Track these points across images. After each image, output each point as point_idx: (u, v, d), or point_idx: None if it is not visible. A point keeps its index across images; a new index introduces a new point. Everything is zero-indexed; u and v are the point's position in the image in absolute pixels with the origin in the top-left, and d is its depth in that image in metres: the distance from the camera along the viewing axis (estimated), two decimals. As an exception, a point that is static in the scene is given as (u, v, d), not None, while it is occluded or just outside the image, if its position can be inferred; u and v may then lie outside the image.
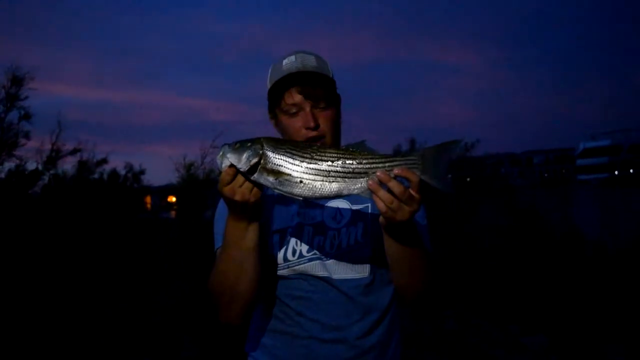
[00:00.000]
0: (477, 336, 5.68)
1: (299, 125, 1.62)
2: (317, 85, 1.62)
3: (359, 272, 1.63)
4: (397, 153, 1.41)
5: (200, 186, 11.88)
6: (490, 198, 10.11)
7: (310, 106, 1.62)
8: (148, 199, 16.56)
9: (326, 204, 1.68)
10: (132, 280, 8.72)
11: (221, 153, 1.38)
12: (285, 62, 1.66)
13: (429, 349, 5.11)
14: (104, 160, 12.76)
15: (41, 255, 8.91)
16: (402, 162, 1.36)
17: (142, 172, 14.74)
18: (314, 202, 1.55)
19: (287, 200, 1.64)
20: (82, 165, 12.28)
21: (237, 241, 1.48)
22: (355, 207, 1.69)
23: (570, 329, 5.55)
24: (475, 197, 10.02)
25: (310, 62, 1.66)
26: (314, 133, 1.61)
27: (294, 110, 1.62)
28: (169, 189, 13.86)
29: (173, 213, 14.17)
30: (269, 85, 1.67)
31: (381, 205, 1.34)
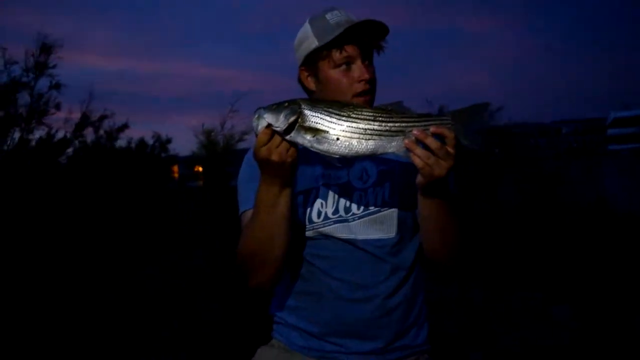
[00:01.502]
0: (500, 304, 5.70)
1: (353, 78, 1.61)
2: (374, 39, 1.63)
3: (386, 232, 1.64)
4: (431, 113, 1.42)
5: (225, 155, 11.93)
6: (518, 168, 10.01)
7: (364, 59, 1.62)
8: (175, 169, 16.76)
9: (352, 164, 1.68)
10: (160, 246, 8.89)
11: (257, 116, 1.40)
12: (329, 15, 1.64)
13: (453, 316, 5.14)
14: (125, 126, 12.86)
15: (71, 223, 9.11)
16: (437, 121, 1.39)
17: (169, 141, 14.89)
18: (341, 164, 1.57)
19: (312, 161, 1.65)
20: (109, 134, 12.43)
21: (270, 206, 1.49)
22: (381, 167, 1.69)
23: (595, 299, 5.53)
24: (503, 166, 9.93)
25: (353, 16, 1.64)
26: (367, 86, 1.61)
27: (347, 62, 1.61)
28: (195, 159, 13.97)
29: (200, 182, 14.33)
30: (316, 40, 1.63)
31: (418, 162, 1.36)
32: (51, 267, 6.92)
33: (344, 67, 1.61)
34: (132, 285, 6.38)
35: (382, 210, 1.65)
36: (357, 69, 1.61)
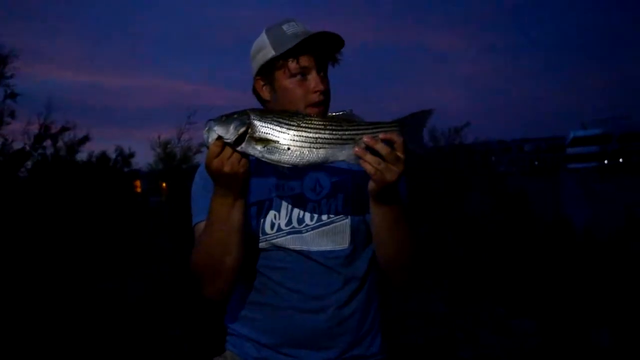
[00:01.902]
0: (463, 318, 5.74)
1: (308, 88, 1.62)
2: (331, 50, 1.64)
3: (339, 243, 1.64)
4: (380, 121, 1.44)
5: (184, 169, 11.84)
6: (480, 185, 10.17)
7: (320, 70, 1.63)
8: (138, 183, 16.53)
9: (305, 176, 1.68)
10: (119, 262, 8.73)
11: (207, 128, 1.41)
12: (286, 27, 1.65)
13: (415, 329, 5.16)
14: (86, 138, 12.68)
15: (31, 238, 8.90)
16: (386, 128, 1.41)
17: (132, 155, 14.66)
18: (293, 174, 1.56)
19: (265, 172, 1.66)
20: (69, 147, 12.22)
21: (223, 219, 1.49)
22: (334, 179, 1.69)
23: (556, 313, 5.61)
24: (465, 183, 10.08)
25: (309, 29, 1.66)
26: (321, 97, 1.62)
27: (302, 72, 1.62)
28: (158, 174, 13.83)
29: (163, 197, 14.16)
30: (273, 50, 1.63)
31: (369, 168, 1.38)
32: (7, 284, 6.73)
33: (299, 77, 1.62)
34: (91, 305, 6.24)
35: (335, 221, 1.65)
36: (312, 79, 1.62)
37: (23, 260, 7.82)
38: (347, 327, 1.64)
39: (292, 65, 1.61)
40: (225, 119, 1.40)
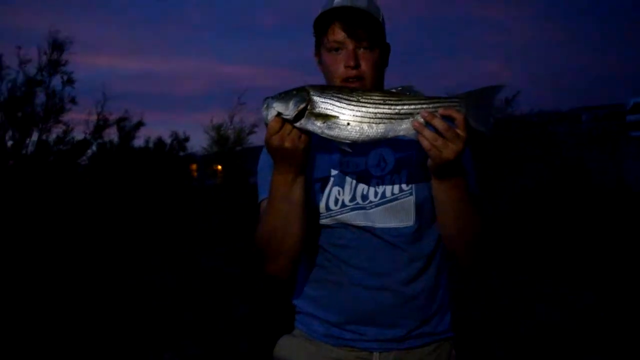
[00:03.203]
0: (522, 292, 5.66)
1: (339, 63, 1.60)
2: (362, 25, 1.58)
3: (404, 220, 1.62)
4: (441, 96, 1.42)
5: (239, 151, 11.92)
6: (538, 156, 9.92)
7: (354, 45, 1.59)
8: (194, 167, 16.80)
9: (369, 152, 1.67)
10: (181, 244, 8.94)
11: (265, 105, 1.41)
12: None
13: (474, 305, 5.12)
14: (140, 123, 12.94)
15: (93, 223, 9.20)
16: (446, 103, 1.39)
17: (187, 139, 14.95)
18: (357, 150, 1.55)
19: (329, 148, 1.65)
20: (127, 134, 12.51)
21: (284, 195, 1.49)
22: (399, 155, 1.67)
23: (619, 287, 5.47)
24: (522, 154, 9.85)
25: (362, 1, 1.60)
26: (353, 72, 1.58)
27: (336, 47, 1.60)
28: (213, 157, 13.99)
29: (219, 180, 14.35)
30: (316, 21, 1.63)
31: (426, 144, 1.36)
32: (71, 267, 7.01)
33: (333, 52, 1.61)
34: (152, 284, 6.44)
35: (399, 197, 1.63)
36: (345, 54, 1.59)
37: (87, 245, 8.12)
38: (414, 306, 1.63)
39: (326, 38, 1.61)
40: (284, 96, 1.40)
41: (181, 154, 15.03)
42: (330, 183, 1.65)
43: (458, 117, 1.36)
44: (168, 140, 14.71)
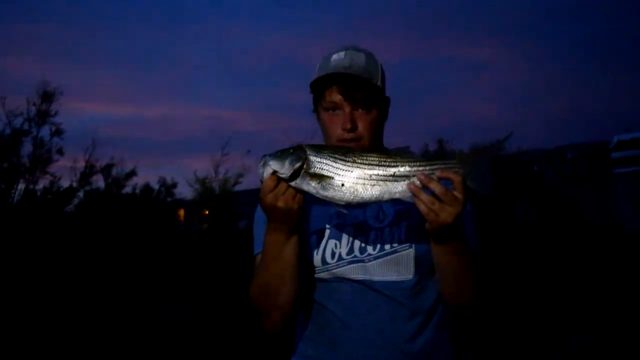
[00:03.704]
0: (518, 333, 5.59)
1: (336, 124, 1.58)
2: (359, 88, 1.57)
3: (403, 274, 1.56)
4: (437, 157, 1.40)
5: (226, 199, 11.81)
6: (526, 195, 9.98)
7: (351, 108, 1.57)
8: (181, 212, 16.73)
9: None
10: (172, 291, 8.81)
11: (262, 162, 1.40)
12: (334, 57, 1.62)
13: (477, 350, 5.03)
14: (133, 173, 12.92)
15: (80, 272, 9.06)
16: (442, 165, 1.36)
17: (174, 185, 14.93)
18: (345, 210, 1.53)
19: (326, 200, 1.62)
20: (115, 182, 12.46)
21: (277, 253, 1.47)
22: (398, 207, 1.62)
23: (615, 328, 5.42)
24: (511, 194, 9.89)
25: (359, 61, 1.60)
26: (350, 135, 1.56)
27: (334, 107, 1.59)
28: (201, 202, 13.94)
29: (206, 225, 14.26)
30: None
31: (423, 207, 1.33)
32: (53, 314, 6.87)
33: (331, 111, 1.60)
34: (146, 335, 6.31)
35: (398, 250, 1.58)
36: (342, 116, 1.58)
37: (76, 292, 7.97)
38: None
39: (324, 99, 1.60)
40: (281, 154, 1.39)
41: (169, 199, 14.98)
42: (327, 236, 1.61)
43: (456, 179, 1.33)
44: (156, 186, 14.70)
